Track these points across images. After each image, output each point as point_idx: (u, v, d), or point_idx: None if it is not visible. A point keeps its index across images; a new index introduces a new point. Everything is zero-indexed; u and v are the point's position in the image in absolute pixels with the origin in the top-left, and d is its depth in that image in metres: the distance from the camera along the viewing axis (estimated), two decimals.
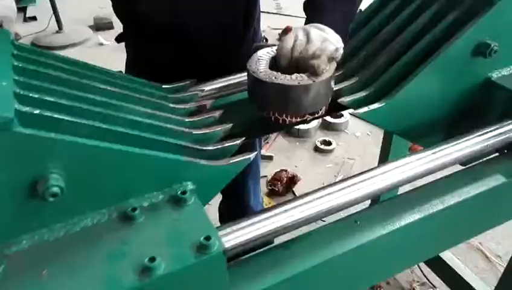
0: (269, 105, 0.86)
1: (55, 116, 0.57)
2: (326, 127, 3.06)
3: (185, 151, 0.70)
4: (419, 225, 0.82)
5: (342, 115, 3.03)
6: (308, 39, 0.84)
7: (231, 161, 0.73)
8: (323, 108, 0.89)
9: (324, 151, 2.84)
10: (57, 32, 4.49)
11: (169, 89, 0.92)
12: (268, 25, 4.83)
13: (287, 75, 0.83)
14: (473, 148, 0.90)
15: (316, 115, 0.89)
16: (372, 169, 0.82)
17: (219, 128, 0.80)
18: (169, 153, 0.66)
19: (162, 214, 0.65)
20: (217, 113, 0.85)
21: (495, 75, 1.01)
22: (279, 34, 4.70)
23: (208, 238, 0.59)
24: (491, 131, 0.93)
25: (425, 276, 1.98)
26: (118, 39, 1.30)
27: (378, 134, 2.80)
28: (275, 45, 0.92)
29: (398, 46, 0.97)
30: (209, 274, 0.61)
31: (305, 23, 0.93)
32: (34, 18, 4.87)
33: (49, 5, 4.31)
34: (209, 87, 1.00)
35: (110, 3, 1.19)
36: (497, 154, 1.00)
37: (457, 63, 0.94)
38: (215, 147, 0.75)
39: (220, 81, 1.03)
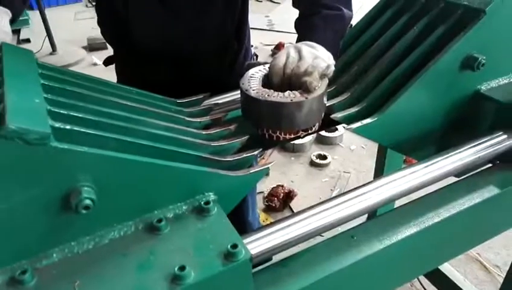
0: (263, 122, 0.87)
1: (85, 131, 0.59)
2: (321, 141, 3.08)
3: (205, 162, 0.72)
4: (417, 238, 0.82)
5: (337, 129, 3.05)
6: (300, 56, 0.86)
7: (251, 171, 0.75)
8: (317, 124, 0.90)
9: (320, 165, 2.85)
10: (51, 53, 4.52)
11: (184, 104, 0.94)
12: (260, 41, 4.89)
13: (279, 93, 0.84)
14: (466, 160, 0.91)
15: (310, 131, 0.90)
16: (368, 183, 0.82)
17: (236, 140, 0.82)
18: (192, 165, 0.68)
19: (187, 224, 0.67)
20: (232, 126, 0.87)
21: (484, 87, 1.03)
22: (271, 50, 4.77)
23: (234, 246, 0.61)
24: (482, 143, 0.94)
25: (425, 289, 1.96)
26: (106, 62, 1.30)
27: (373, 146, 2.82)
28: (267, 63, 0.93)
29: (389, 61, 0.99)
30: (236, 281, 0.63)
31: (297, 41, 0.94)
32: (28, 40, 4.90)
33: (43, 27, 4.35)
34: (222, 100, 1.03)
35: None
36: (490, 165, 1.01)
37: (446, 76, 0.95)
38: (234, 158, 0.77)
39: (230, 95, 1.06)
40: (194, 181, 0.69)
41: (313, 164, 2.87)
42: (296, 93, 0.84)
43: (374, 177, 1.80)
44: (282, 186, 2.54)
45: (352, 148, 3.03)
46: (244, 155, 0.79)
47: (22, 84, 0.61)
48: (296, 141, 2.90)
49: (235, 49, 1.24)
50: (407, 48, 1.00)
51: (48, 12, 4.57)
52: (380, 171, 1.71)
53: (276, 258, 0.76)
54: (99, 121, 0.64)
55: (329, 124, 0.95)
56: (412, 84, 0.92)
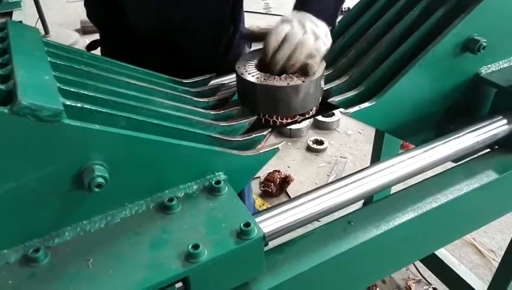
0: (259, 107, 0.85)
1: (96, 108, 0.58)
2: (317, 126, 3.06)
3: (215, 142, 0.72)
4: (413, 223, 0.81)
5: (333, 114, 3.04)
6: (302, 38, 0.82)
7: (261, 151, 0.75)
8: (314, 108, 0.88)
9: (316, 150, 2.84)
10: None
11: (190, 84, 0.93)
12: (257, 25, 4.83)
13: (276, 76, 0.82)
14: (464, 145, 0.90)
15: (307, 116, 0.88)
16: (364, 169, 0.81)
17: (245, 120, 0.82)
18: (202, 144, 0.68)
19: (198, 204, 0.68)
20: (240, 106, 0.86)
21: (484, 71, 1.01)
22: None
23: (247, 224, 0.61)
24: (481, 127, 0.93)
25: (420, 273, 1.98)
26: (89, 47, 1.26)
27: (370, 132, 2.81)
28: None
29: (387, 44, 0.97)
30: (249, 259, 0.64)
31: (295, 7, 0.90)
32: (20, 23, 4.80)
33: (35, 9, 4.27)
34: (228, 81, 1.01)
35: None
36: (488, 150, 1.00)
37: (446, 59, 0.93)
38: (243, 138, 0.77)
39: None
40: (205, 160, 0.69)
41: (309, 149, 2.86)
42: (293, 76, 0.82)
43: (371, 163, 1.80)
44: (279, 171, 2.53)
45: (349, 133, 3.02)
46: (254, 135, 0.79)
47: (30, 61, 0.60)
48: (293, 126, 2.88)
49: (231, 33, 1.21)
50: (406, 30, 0.97)
51: None
52: (377, 157, 1.70)
53: (272, 244, 0.75)
54: (108, 100, 0.63)
55: (326, 108, 0.94)
56: (411, 67, 0.90)
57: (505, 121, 0.95)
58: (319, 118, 2.99)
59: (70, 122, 0.53)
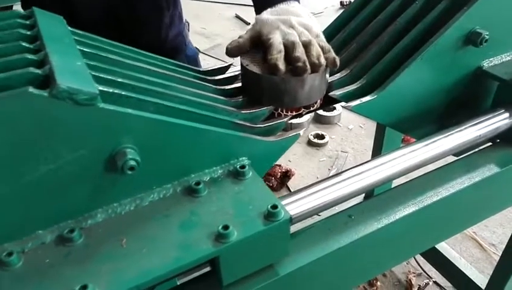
0: (264, 98, 0.85)
1: (126, 94, 0.60)
2: (318, 120, 3.06)
3: (238, 128, 0.74)
4: (414, 217, 0.81)
5: (335, 108, 3.03)
6: (308, 44, 0.81)
7: (283, 137, 0.77)
8: (318, 101, 0.88)
9: (317, 144, 2.84)
10: None
11: (207, 72, 0.94)
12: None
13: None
14: (466, 138, 0.89)
15: (312, 109, 0.88)
16: (366, 162, 0.81)
17: (265, 108, 0.83)
18: (227, 129, 0.70)
19: (224, 188, 0.69)
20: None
21: (486, 64, 1.00)
22: None
23: (274, 206, 0.63)
24: (483, 121, 0.93)
25: (421, 267, 1.98)
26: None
27: (371, 126, 2.81)
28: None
29: (389, 37, 0.96)
30: (276, 241, 0.65)
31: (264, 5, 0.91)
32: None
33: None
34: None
35: None
36: (489, 144, 1.00)
37: (448, 52, 0.93)
38: (264, 125, 0.79)
39: None
40: (229, 146, 0.71)
41: (310, 143, 2.86)
42: None
43: (372, 157, 1.79)
44: (280, 165, 2.53)
45: (350, 127, 3.01)
46: (275, 122, 0.80)
47: (62, 48, 0.61)
48: (294, 120, 2.88)
49: (170, 12, 1.25)
50: (408, 23, 0.97)
51: None
52: (378, 151, 1.70)
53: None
54: (135, 86, 0.65)
55: (327, 102, 0.93)
56: (413, 61, 0.89)
57: (507, 114, 0.95)
58: (320, 112, 2.99)
59: (105, 106, 0.55)
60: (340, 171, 0.79)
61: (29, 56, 0.57)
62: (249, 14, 1.37)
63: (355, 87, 0.92)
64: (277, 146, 0.77)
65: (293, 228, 0.75)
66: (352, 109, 0.86)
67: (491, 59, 1.01)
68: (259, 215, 0.64)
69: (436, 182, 0.87)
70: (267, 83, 0.82)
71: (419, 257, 1.98)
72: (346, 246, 0.74)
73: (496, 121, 0.94)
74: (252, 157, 0.74)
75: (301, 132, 0.79)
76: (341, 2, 5.13)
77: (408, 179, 0.89)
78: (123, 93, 0.59)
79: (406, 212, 0.80)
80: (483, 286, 1.60)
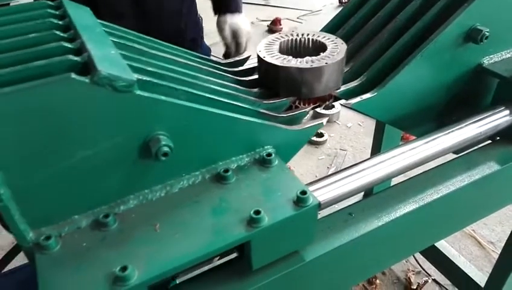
0: (282, 90, 0.84)
1: (158, 82, 0.61)
2: (317, 118, 3.05)
3: (263, 117, 0.75)
4: (414, 215, 0.81)
5: (333, 106, 3.02)
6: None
7: (306, 126, 0.78)
8: (333, 97, 0.88)
9: (316, 143, 2.83)
10: None
11: (227, 64, 0.96)
12: (256, 17, 4.80)
13: (298, 58, 0.82)
14: (466, 136, 0.89)
15: (327, 103, 0.89)
16: (365, 160, 0.81)
17: (286, 99, 0.84)
18: (253, 118, 0.71)
19: (251, 175, 0.71)
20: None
21: (486, 61, 1.00)
22: (267, 25, 4.68)
23: (303, 192, 0.64)
24: (483, 118, 0.92)
25: (420, 265, 1.98)
26: None
27: (370, 124, 2.80)
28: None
29: (389, 34, 0.96)
30: (305, 225, 0.67)
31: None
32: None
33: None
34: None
35: None
36: (490, 141, 0.99)
37: (448, 49, 0.92)
38: (287, 114, 0.80)
39: None
40: (255, 134, 0.72)
41: (309, 141, 2.85)
42: (314, 58, 0.82)
43: (371, 155, 1.79)
44: None
45: (349, 125, 3.01)
46: (298, 111, 0.81)
47: (94, 37, 0.62)
48: (322, 111, 2.86)
49: (189, 4, 1.45)
50: (408, 20, 0.96)
51: None
52: (377, 149, 1.69)
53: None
54: (165, 75, 0.66)
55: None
56: (413, 58, 0.89)
57: (507, 111, 0.95)
58: (319, 110, 2.98)
59: (141, 93, 0.56)
60: (339, 169, 0.79)
61: (66, 44, 0.58)
62: (246, 14, 1.52)
63: (355, 84, 0.91)
64: (300, 135, 0.78)
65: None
66: (352, 107, 0.86)
67: (491, 56, 1.00)
68: (289, 201, 0.65)
69: (436, 179, 0.86)
70: (284, 74, 0.82)
71: (418, 255, 1.98)
72: (346, 243, 0.74)
73: (496, 119, 0.93)
74: (276, 146, 0.75)
75: (324, 121, 0.81)
76: (340, 0, 5.12)
77: (408, 177, 0.88)
78: (155, 81, 0.61)
79: (406, 210, 0.80)
80: (482, 284, 1.60)
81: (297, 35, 0.93)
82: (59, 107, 0.52)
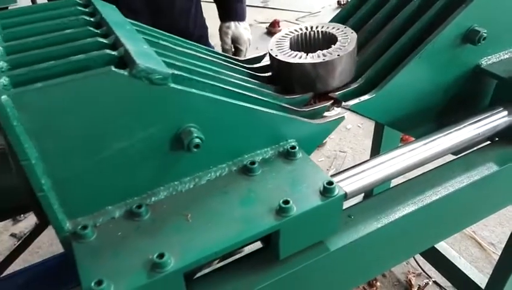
0: (296, 86, 0.85)
1: (187, 76, 0.63)
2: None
3: (286, 111, 0.76)
4: (414, 216, 0.81)
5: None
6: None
7: (328, 120, 0.80)
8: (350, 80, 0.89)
9: None
10: None
11: (244, 61, 0.98)
12: (254, 19, 4.81)
13: (309, 54, 0.82)
14: (465, 137, 0.89)
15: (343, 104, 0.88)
16: (364, 162, 0.80)
17: (306, 94, 0.85)
18: (277, 111, 0.73)
19: (276, 167, 0.73)
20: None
21: (484, 62, 1.00)
22: (266, 27, 4.68)
23: (330, 183, 0.66)
24: (482, 119, 0.92)
25: (420, 267, 1.98)
26: None
27: (370, 126, 2.80)
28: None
29: (387, 36, 0.96)
30: (329, 217, 0.69)
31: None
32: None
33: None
34: None
35: None
36: (488, 142, 0.99)
37: (446, 51, 0.92)
38: (309, 108, 0.82)
39: None
40: (279, 127, 0.74)
41: None
42: (326, 52, 0.82)
43: (371, 156, 1.79)
44: None
45: (349, 127, 3.01)
46: (319, 106, 0.82)
47: (127, 33, 0.64)
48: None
49: (196, 5, 1.59)
50: (406, 21, 0.96)
51: None
52: (376, 150, 1.69)
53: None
54: (192, 70, 0.68)
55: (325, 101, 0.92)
56: (411, 59, 0.89)
57: (505, 112, 0.94)
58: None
59: (175, 86, 0.58)
60: (338, 171, 0.79)
61: (102, 40, 0.61)
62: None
63: (354, 86, 0.91)
64: (322, 128, 0.80)
65: None
66: (350, 108, 0.86)
67: (489, 57, 1.00)
68: (315, 191, 0.66)
69: (435, 181, 0.86)
70: (298, 71, 0.82)
71: (418, 257, 1.97)
72: (346, 245, 0.73)
73: (495, 120, 0.93)
74: (299, 140, 0.76)
75: (345, 115, 0.82)
76: (338, 2, 5.13)
77: (407, 179, 0.88)
78: (185, 75, 0.63)
79: (405, 212, 0.80)
80: (482, 286, 1.60)
81: (307, 29, 0.93)
82: (99, 99, 0.54)
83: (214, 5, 1.67)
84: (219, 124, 0.66)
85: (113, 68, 0.53)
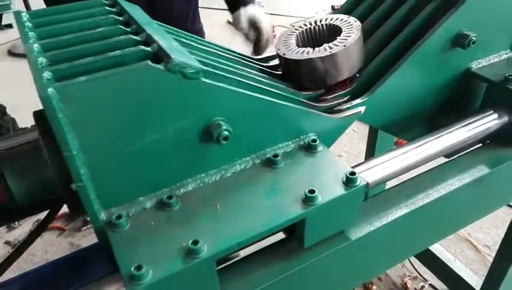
0: (307, 81, 0.85)
1: (213, 71, 0.64)
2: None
3: (305, 105, 0.78)
4: (407, 219, 0.81)
5: None
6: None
7: (346, 114, 0.82)
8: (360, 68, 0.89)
9: None
10: None
11: (258, 59, 0.99)
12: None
13: (316, 48, 0.83)
14: (456, 139, 0.90)
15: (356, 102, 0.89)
16: (359, 164, 0.81)
17: (321, 90, 0.87)
18: (298, 106, 0.75)
19: (298, 160, 0.75)
20: None
21: (474, 65, 1.01)
22: None
23: (352, 173, 0.68)
24: (473, 122, 0.93)
25: (416, 270, 1.98)
26: None
27: (364, 129, 2.81)
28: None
29: (378, 40, 0.96)
30: (352, 202, 0.71)
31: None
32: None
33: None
34: None
35: None
36: (480, 145, 1.00)
37: (436, 54, 0.93)
38: (326, 104, 0.84)
39: None
40: (300, 121, 0.76)
41: None
42: (332, 44, 0.83)
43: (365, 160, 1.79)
44: None
45: None
46: (336, 101, 0.85)
47: (155, 31, 0.66)
48: None
49: (193, 6, 1.60)
50: (396, 26, 0.97)
51: None
52: (371, 154, 1.70)
53: (266, 242, 0.74)
54: (217, 66, 0.69)
55: None
56: (401, 63, 0.90)
57: (496, 115, 0.95)
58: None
59: (206, 80, 0.61)
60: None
61: (134, 37, 0.64)
62: None
63: (346, 90, 0.92)
64: (340, 123, 0.83)
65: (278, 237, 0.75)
66: None
67: (479, 61, 1.02)
68: (338, 181, 0.69)
69: (428, 183, 0.87)
70: (307, 66, 0.83)
71: (414, 260, 1.97)
72: (339, 249, 0.74)
73: (486, 122, 0.94)
74: (318, 134, 0.79)
75: (362, 110, 0.84)
76: (332, 6, 5.17)
77: (400, 181, 0.89)
78: (213, 70, 0.64)
79: (398, 214, 0.80)
80: (478, 288, 1.60)
81: (311, 24, 0.94)
82: (136, 92, 0.56)
83: (210, 12, 1.68)
84: (245, 117, 0.68)
85: (149, 63, 0.55)
